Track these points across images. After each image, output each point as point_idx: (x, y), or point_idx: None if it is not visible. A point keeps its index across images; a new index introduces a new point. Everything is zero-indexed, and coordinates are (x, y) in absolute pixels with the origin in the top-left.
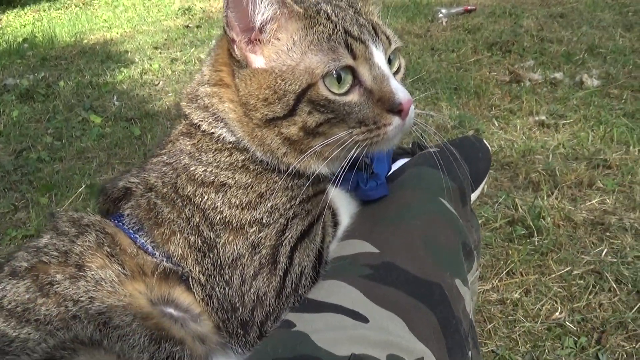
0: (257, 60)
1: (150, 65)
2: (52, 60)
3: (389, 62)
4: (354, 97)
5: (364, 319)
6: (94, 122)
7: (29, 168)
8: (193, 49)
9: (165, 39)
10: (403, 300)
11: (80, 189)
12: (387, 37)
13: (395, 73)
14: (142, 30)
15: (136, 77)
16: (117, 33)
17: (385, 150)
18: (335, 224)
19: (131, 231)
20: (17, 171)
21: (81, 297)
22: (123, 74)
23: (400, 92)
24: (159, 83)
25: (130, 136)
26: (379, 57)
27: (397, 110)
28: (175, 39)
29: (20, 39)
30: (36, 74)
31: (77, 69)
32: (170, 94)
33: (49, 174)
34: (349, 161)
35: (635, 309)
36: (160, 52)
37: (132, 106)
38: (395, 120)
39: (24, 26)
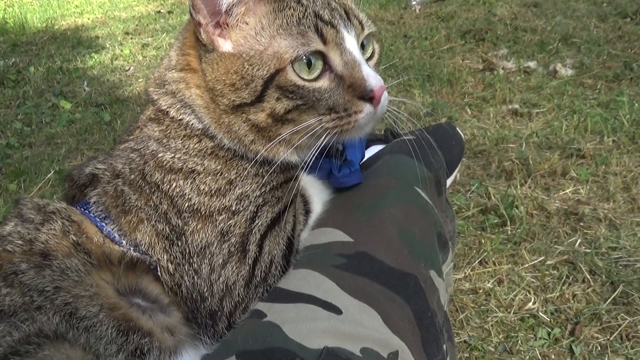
0: (225, 45)
1: (121, 50)
2: (23, 46)
3: (362, 47)
4: (324, 83)
5: (337, 311)
6: (64, 107)
7: None
8: (164, 34)
9: (137, 25)
10: (377, 291)
11: (49, 175)
12: (360, 22)
13: (369, 59)
14: (114, 16)
15: (107, 63)
16: (89, 19)
17: (357, 138)
18: (307, 212)
19: (97, 219)
20: None
21: (46, 287)
22: (94, 60)
23: (372, 78)
24: (129, 69)
25: (100, 122)
26: (350, 42)
27: (369, 97)
28: (147, 25)
29: None
30: (6, 60)
31: (48, 55)
32: (141, 80)
33: (18, 160)
34: (319, 148)
35: (609, 301)
36: (131, 38)
37: (102, 92)
38: (367, 108)
39: None
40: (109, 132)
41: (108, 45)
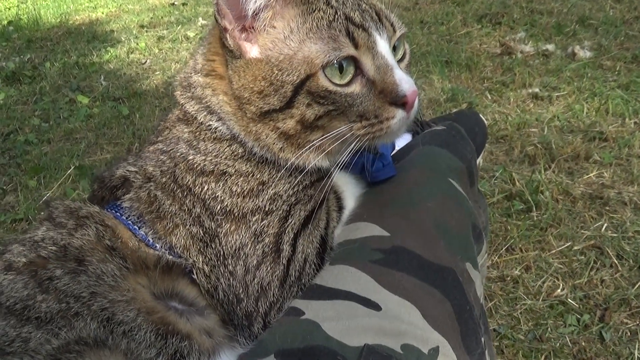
0: (252, 50)
1: (137, 44)
2: (38, 42)
3: (394, 49)
4: (356, 88)
5: (376, 307)
6: (82, 102)
7: (16, 151)
8: (179, 26)
9: (151, 17)
10: (416, 286)
11: (69, 171)
12: (392, 24)
13: (400, 61)
14: (128, 9)
15: (123, 57)
16: (103, 13)
17: (389, 142)
18: (340, 208)
19: (130, 222)
20: (5, 154)
21: (82, 292)
22: (110, 54)
23: (404, 83)
24: (146, 62)
25: (119, 116)
26: (382, 45)
27: (401, 102)
28: (161, 17)
29: (5, 22)
30: (22, 56)
31: (63, 50)
32: (158, 73)
33: (37, 157)
34: (351, 153)
35: (637, 285)
36: (146, 31)
37: (119, 85)
38: (399, 114)
39: (9, 9)
40: (127, 126)
41: (123, 39)
